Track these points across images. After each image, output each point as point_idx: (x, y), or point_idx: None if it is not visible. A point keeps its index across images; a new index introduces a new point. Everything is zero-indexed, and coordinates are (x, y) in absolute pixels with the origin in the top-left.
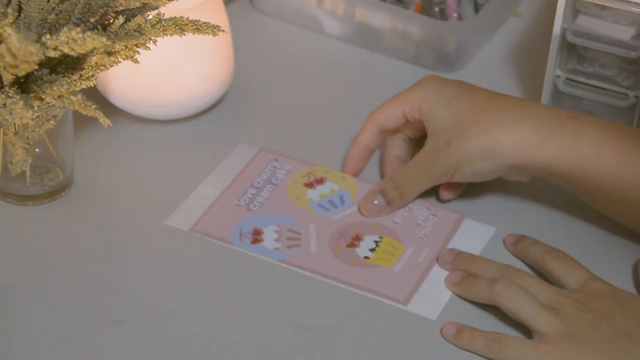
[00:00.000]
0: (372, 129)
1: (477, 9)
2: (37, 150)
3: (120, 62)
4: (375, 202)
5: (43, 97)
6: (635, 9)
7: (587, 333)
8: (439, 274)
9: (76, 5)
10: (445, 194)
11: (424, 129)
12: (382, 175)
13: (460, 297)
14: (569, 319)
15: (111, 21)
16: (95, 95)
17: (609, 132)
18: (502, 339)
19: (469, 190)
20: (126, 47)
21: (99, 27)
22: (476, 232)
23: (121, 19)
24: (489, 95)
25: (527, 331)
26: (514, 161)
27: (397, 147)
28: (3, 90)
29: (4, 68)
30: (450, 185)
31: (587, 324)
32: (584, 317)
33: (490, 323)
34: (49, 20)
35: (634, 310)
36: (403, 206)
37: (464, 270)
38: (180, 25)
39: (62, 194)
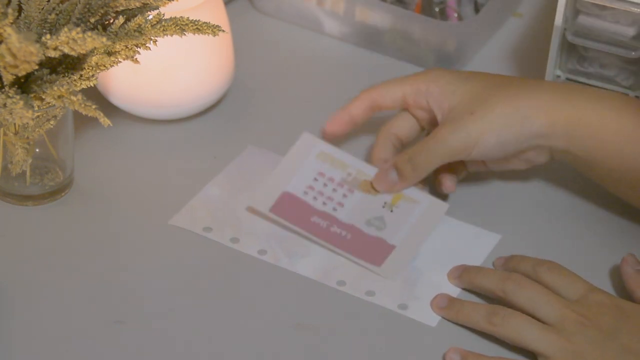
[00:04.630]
0: (363, 100)
1: (477, 9)
2: (37, 150)
3: (120, 62)
4: (389, 176)
5: (43, 97)
6: (635, 9)
7: (593, 352)
8: (438, 279)
9: (76, 5)
10: (446, 182)
11: (427, 118)
12: (371, 156)
13: (449, 321)
14: (575, 337)
15: (111, 21)
16: (95, 95)
17: (628, 101)
18: None
19: (474, 197)
20: (126, 47)
21: (99, 27)
22: (481, 240)
23: (121, 19)
24: (500, 75)
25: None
26: (539, 126)
27: (401, 126)
28: (3, 90)
29: (4, 68)
30: (450, 170)
31: (593, 342)
32: (590, 335)
33: None
34: (49, 20)
35: (637, 324)
36: (416, 181)
37: (470, 283)
38: (180, 25)
39: (62, 194)
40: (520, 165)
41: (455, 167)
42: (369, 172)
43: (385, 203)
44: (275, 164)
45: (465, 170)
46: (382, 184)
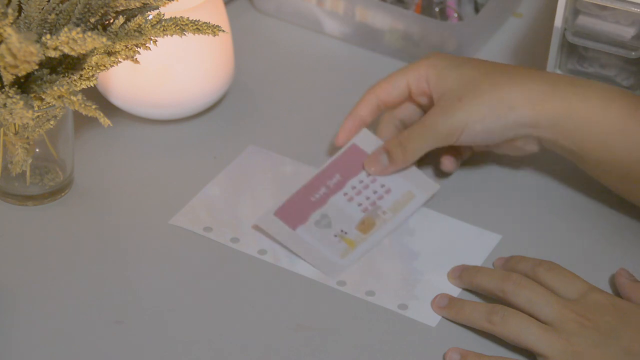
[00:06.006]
0: (370, 101)
1: (477, 9)
2: (37, 150)
3: (120, 62)
4: (380, 159)
5: (43, 97)
6: (635, 9)
7: (593, 353)
8: (437, 280)
9: (76, 5)
10: (446, 163)
11: (429, 104)
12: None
13: (450, 320)
14: (574, 338)
15: (111, 21)
16: (95, 95)
17: (616, 92)
18: None
19: (475, 197)
20: (126, 47)
21: (99, 27)
22: (481, 240)
23: (121, 19)
24: (496, 62)
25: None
26: (524, 117)
27: (405, 111)
28: (3, 90)
29: (4, 68)
30: (452, 153)
31: (593, 343)
32: (590, 336)
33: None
34: (49, 21)
35: (637, 325)
36: (406, 165)
37: (470, 283)
38: (180, 26)
39: (62, 194)
40: (511, 152)
41: (459, 148)
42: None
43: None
44: (276, 165)
45: (470, 151)
46: (374, 166)
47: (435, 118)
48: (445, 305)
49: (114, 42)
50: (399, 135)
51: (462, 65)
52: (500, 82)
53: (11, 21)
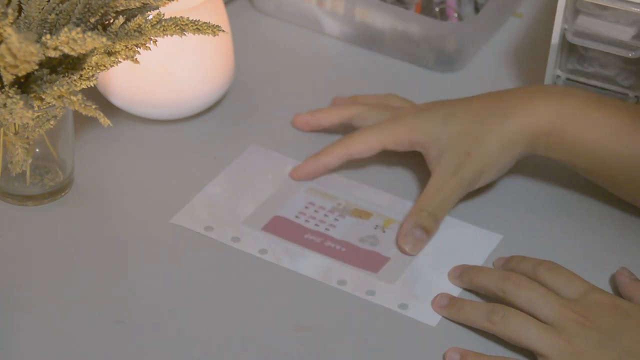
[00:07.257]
0: (341, 157)
1: (477, 9)
2: (37, 150)
3: (120, 62)
4: (416, 235)
5: (43, 97)
6: (635, 9)
7: (594, 353)
8: (438, 279)
9: (76, 5)
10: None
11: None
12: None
13: (450, 320)
14: (575, 338)
15: (111, 21)
16: (95, 95)
17: (594, 104)
18: None
19: (476, 197)
20: (126, 47)
21: (99, 27)
22: (482, 240)
23: (121, 19)
24: (475, 101)
25: None
26: (526, 147)
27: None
28: (3, 90)
29: (4, 68)
30: None
31: (593, 343)
32: (590, 336)
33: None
34: (49, 20)
35: (638, 325)
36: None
37: (470, 283)
38: (180, 25)
39: (62, 194)
40: None
41: None
42: (358, 201)
43: (377, 226)
44: (277, 164)
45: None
46: (411, 243)
47: (452, 180)
48: (445, 304)
49: (114, 42)
50: (424, 206)
51: (447, 119)
52: (494, 126)
53: (11, 21)
